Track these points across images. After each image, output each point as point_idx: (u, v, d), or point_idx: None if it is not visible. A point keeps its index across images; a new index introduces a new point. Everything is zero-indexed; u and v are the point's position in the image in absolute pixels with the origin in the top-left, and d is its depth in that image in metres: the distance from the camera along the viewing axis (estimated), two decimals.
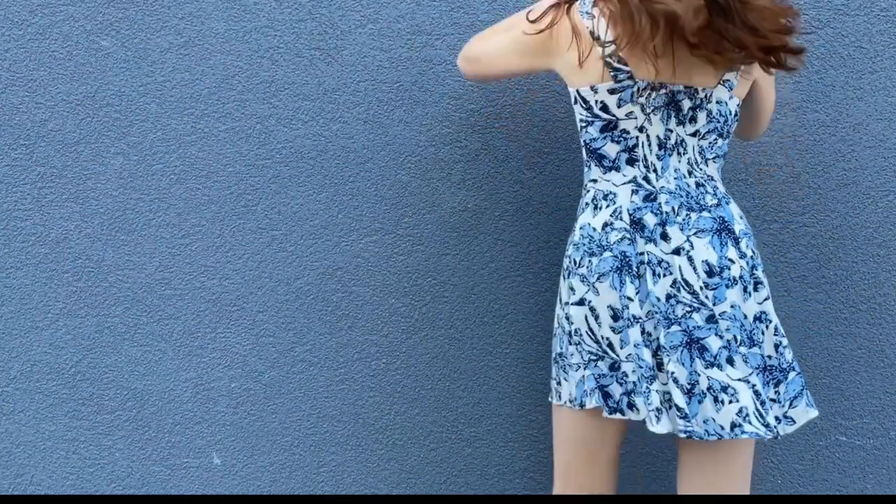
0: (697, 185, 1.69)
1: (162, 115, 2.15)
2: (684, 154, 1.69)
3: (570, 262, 1.73)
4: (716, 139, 1.71)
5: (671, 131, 1.68)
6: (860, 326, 2.24)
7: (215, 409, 2.26)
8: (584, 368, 1.70)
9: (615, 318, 1.66)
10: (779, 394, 1.68)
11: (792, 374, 1.70)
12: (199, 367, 2.24)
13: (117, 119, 2.15)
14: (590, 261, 1.68)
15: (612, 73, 1.65)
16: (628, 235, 1.66)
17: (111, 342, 2.23)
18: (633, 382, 1.65)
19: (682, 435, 1.62)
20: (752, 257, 1.69)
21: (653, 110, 1.66)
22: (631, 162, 1.69)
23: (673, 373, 1.62)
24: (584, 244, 1.70)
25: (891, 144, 2.16)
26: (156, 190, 2.18)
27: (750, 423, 1.60)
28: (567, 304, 1.72)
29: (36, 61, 2.13)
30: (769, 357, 1.68)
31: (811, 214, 2.19)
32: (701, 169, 1.70)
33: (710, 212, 1.67)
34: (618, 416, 1.68)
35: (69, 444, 2.26)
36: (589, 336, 1.69)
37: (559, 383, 1.78)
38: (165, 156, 2.17)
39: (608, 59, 1.64)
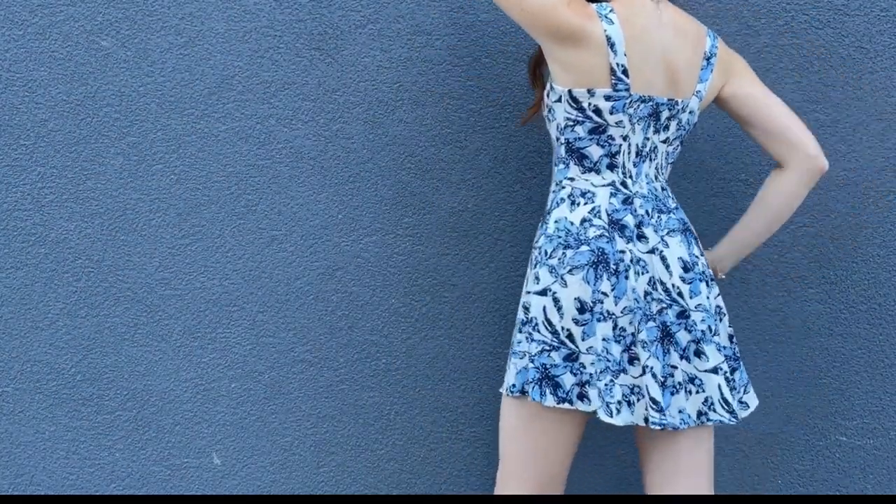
0: (661, 188, 1.79)
1: (162, 115, 2.15)
2: (654, 160, 1.77)
3: (539, 253, 1.74)
4: (678, 145, 1.81)
5: (648, 139, 1.74)
6: (860, 326, 2.24)
7: (215, 409, 2.26)
8: (529, 359, 1.69)
9: (581, 310, 1.66)
10: (734, 381, 1.75)
11: (740, 363, 1.79)
12: (199, 367, 2.24)
13: (117, 119, 2.15)
14: (563, 253, 1.69)
15: (613, 82, 1.67)
16: (606, 234, 1.69)
17: (111, 342, 2.23)
18: (590, 374, 1.65)
19: (657, 427, 1.65)
20: (704, 255, 1.82)
21: (638, 120, 1.71)
22: (611, 167, 1.73)
23: (651, 367, 1.67)
24: (560, 236, 1.71)
25: (891, 144, 2.16)
26: (156, 190, 2.18)
27: (714, 410, 1.70)
28: (528, 293, 1.73)
29: (36, 61, 2.13)
30: (724, 347, 1.75)
31: (811, 214, 2.19)
32: (662, 174, 1.80)
33: (674, 213, 1.77)
34: (565, 405, 1.65)
35: (69, 444, 2.26)
36: (545, 326, 1.68)
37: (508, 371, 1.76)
38: (165, 156, 2.17)
39: (615, 67, 1.67)
